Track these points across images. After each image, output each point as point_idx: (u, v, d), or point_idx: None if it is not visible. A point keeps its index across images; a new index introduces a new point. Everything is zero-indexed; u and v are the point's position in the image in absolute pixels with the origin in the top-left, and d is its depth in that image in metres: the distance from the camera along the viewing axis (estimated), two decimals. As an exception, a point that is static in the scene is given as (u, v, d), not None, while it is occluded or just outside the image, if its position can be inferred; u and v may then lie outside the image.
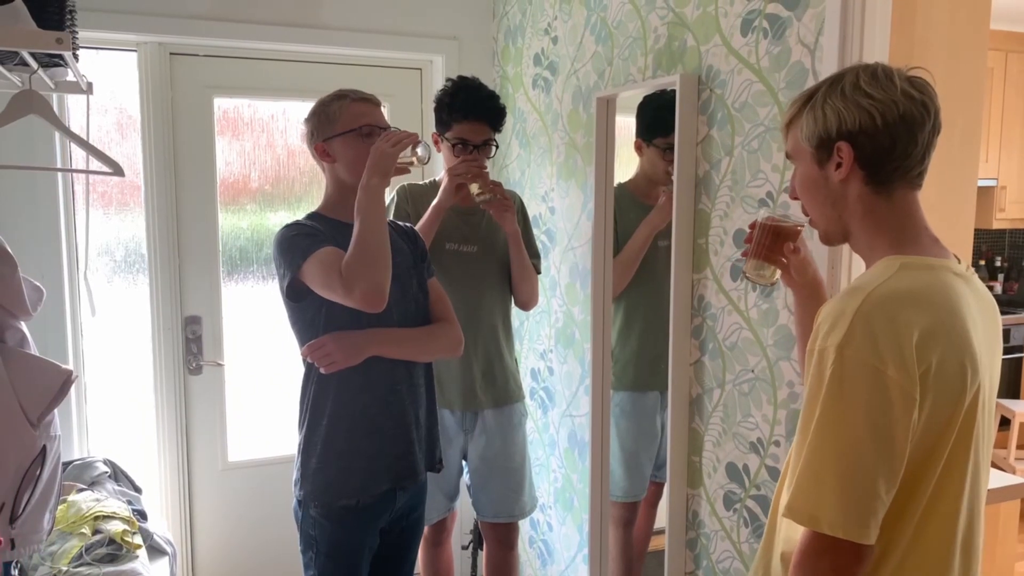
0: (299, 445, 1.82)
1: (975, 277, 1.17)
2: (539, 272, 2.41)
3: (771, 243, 1.34)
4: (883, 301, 1.04)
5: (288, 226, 1.77)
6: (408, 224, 2.03)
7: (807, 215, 1.24)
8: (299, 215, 1.85)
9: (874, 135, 1.09)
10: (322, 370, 1.75)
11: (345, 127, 1.76)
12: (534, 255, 2.40)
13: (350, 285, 1.63)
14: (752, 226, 1.38)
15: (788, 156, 1.22)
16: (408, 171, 1.80)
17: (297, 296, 1.76)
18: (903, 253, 1.12)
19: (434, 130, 2.31)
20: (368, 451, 1.78)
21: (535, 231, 2.64)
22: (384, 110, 1.86)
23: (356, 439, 1.78)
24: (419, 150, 1.76)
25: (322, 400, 1.78)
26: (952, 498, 1.10)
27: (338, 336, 1.75)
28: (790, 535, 1.14)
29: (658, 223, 2.16)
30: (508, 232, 2.25)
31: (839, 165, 1.13)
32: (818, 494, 1.04)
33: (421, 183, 2.40)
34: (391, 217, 2.25)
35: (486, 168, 2.21)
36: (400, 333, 1.84)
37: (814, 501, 1.04)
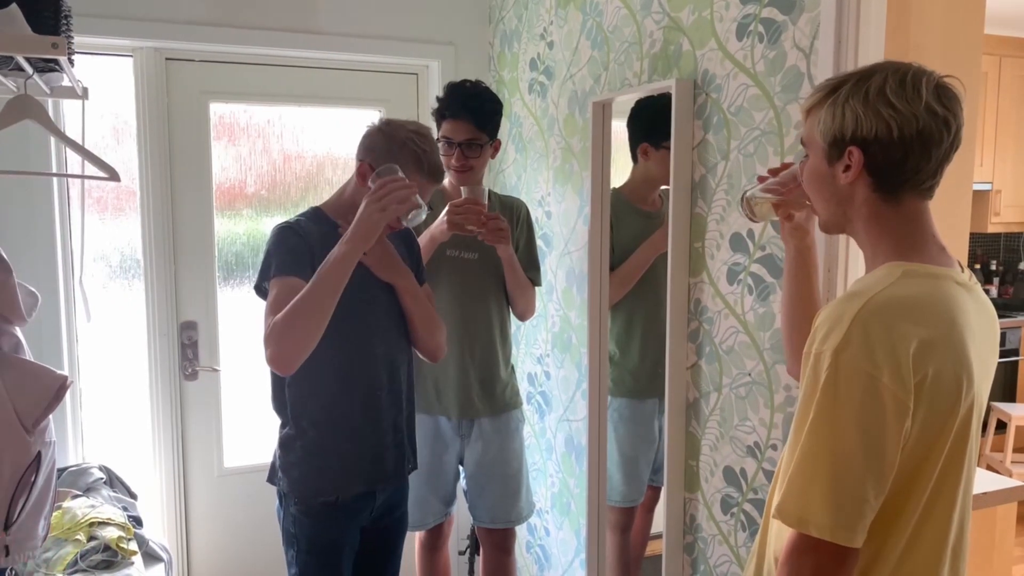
0: (279, 439, 1.84)
1: (978, 287, 1.17)
2: (538, 285, 2.40)
3: (785, 192, 1.34)
4: (882, 308, 1.04)
5: (283, 229, 1.77)
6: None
7: (809, 202, 1.24)
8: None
9: (888, 146, 1.07)
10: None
11: None
12: (534, 267, 2.39)
13: (267, 340, 1.64)
14: (785, 165, 1.38)
15: (802, 142, 1.21)
16: (395, 230, 1.73)
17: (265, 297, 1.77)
18: (907, 260, 1.11)
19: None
20: (344, 452, 1.80)
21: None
22: (380, 115, 1.86)
23: (333, 440, 1.79)
24: (410, 216, 1.67)
25: (302, 399, 1.79)
26: (947, 505, 1.10)
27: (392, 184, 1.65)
28: (782, 534, 1.14)
29: (662, 246, 2.08)
30: (502, 257, 2.24)
31: (847, 168, 1.11)
32: (808, 497, 1.04)
33: None
34: None
35: (483, 204, 2.14)
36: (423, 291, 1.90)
37: (803, 504, 1.04)
